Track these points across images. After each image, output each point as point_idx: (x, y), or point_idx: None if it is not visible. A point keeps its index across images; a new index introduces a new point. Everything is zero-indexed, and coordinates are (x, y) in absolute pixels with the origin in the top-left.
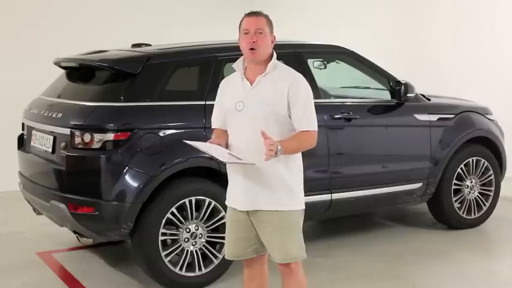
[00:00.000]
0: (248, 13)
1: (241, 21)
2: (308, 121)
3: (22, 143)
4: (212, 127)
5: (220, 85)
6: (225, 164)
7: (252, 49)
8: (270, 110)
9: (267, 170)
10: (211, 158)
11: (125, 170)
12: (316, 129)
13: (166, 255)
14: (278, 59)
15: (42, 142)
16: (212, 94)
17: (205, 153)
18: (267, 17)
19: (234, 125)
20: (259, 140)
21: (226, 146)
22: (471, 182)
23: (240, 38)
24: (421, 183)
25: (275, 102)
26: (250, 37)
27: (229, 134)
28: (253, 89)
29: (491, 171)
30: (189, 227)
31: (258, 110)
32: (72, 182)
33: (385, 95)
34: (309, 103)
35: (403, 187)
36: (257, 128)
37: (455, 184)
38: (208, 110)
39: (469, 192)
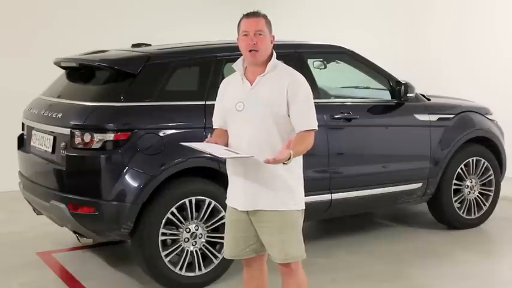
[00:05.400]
0: (246, 14)
1: (240, 22)
2: (308, 121)
3: (22, 143)
4: (213, 127)
5: (220, 85)
6: (225, 164)
7: (252, 51)
8: (269, 110)
9: (268, 170)
10: (212, 158)
11: (125, 170)
12: (316, 128)
13: (166, 255)
14: (278, 59)
15: (42, 142)
16: (212, 94)
17: (204, 152)
18: (265, 17)
19: (235, 125)
20: (260, 140)
21: (227, 146)
22: (471, 182)
23: (239, 40)
24: (421, 183)
25: (274, 102)
26: (250, 39)
27: (229, 134)
28: (252, 89)
29: (491, 171)
30: (189, 227)
31: (258, 110)
32: (72, 182)
33: (385, 95)
34: (309, 102)
35: (403, 187)
36: (257, 128)
37: (455, 184)
38: (208, 110)
39: (469, 192)
